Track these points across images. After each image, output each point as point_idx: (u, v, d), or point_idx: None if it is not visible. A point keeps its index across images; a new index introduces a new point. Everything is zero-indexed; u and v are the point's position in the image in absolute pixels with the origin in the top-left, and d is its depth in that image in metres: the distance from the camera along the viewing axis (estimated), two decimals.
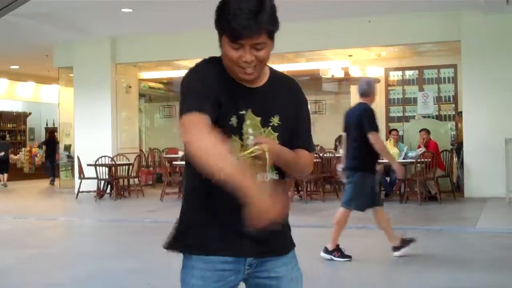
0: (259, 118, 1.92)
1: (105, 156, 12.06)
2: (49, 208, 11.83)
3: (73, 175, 14.01)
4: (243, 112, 1.90)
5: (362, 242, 7.31)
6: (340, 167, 6.55)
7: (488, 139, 10.72)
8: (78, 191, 12.18)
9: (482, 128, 10.83)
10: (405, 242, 6.03)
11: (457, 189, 11.19)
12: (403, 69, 14.74)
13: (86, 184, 12.14)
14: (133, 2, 10.52)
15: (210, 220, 1.94)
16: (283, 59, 13.96)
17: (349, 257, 5.97)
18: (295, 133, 2.00)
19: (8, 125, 20.22)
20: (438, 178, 10.41)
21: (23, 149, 19.29)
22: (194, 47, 11.84)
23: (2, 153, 17.11)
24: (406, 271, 5.64)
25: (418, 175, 10.24)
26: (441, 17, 11.25)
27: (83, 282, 5.52)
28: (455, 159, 11.40)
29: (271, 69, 2.02)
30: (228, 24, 1.79)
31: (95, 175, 11.98)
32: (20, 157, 18.74)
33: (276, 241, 1.98)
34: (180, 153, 12.58)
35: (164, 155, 13.62)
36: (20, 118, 20.60)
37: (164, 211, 10.14)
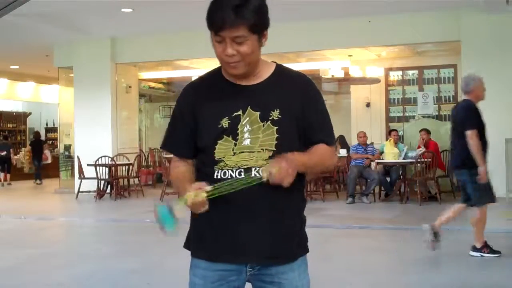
0: (257, 113, 1.92)
1: (105, 156, 12.06)
2: (49, 208, 11.84)
3: (73, 175, 14.01)
4: (239, 112, 1.92)
5: (364, 242, 7.31)
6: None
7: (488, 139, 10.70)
8: (78, 191, 12.19)
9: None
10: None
11: (457, 189, 11.16)
12: (403, 69, 14.74)
13: (86, 184, 12.14)
14: (133, 2, 10.52)
15: (214, 226, 1.95)
16: (283, 59, 13.95)
17: (499, 252, 5.92)
18: (309, 128, 1.98)
19: (8, 125, 20.22)
20: (438, 178, 10.40)
21: (23, 149, 19.29)
22: (194, 47, 11.84)
23: (4, 153, 17.18)
24: (406, 271, 5.64)
25: (418, 175, 10.24)
26: (441, 17, 11.25)
27: (83, 282, 5.52)
28: None
29: (279, 66, 2.03)
30: (209, 17, 1.84)
31: (95, 175, 11.98)
32: (20, 157, 18.73)
33: (281, 249, 1.95)
34: None
35: (164, 155, 13.59)
36: (20, 118, 20.61)
37: None
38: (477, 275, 5.43)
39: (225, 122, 1.91)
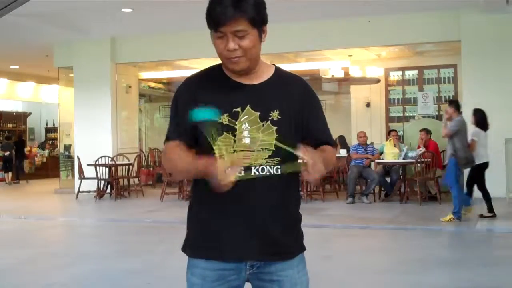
0: (257, 113, 1.93)
1: (105, 156, 12.06)
2: (49, 208, 11.84)
3: (73, 175, 14.01)
4: (238, 109, 1.93)
5: (364, 242, 7.31)
6: None
7: (488, 139, 10.70)
8: (78, 191, 12.19)
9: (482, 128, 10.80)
10: None
11: None
12: (403, 69, 14.73)
13: (86, 184, 12.14)
14: (133, 2, 10.52)
15: (212, 226, 1.96)
16: (283, 59, 13.96)
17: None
18: (312, 129, 2.01)
19: (8, 125, 20.23)
20: (438, 178, 10.40)
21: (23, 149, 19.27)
22: (194, 47, 11.84)
23: (8, 153, 17.21)
24: (406, 271, 5.64)
25: (418, 175, 10.24)
26: (441, 17, 11.24)
27: (83, 282, 5.52)
28: None
29: (277, 68, 2.05)
30: (209, 13, 1.86)
31: (95, 175, 11.98)
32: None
33: (279, 245, 1.96)
34: None
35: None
36: (20, 118, 20.61)
37: (164, 211, 10.15)
38: (477, 275, 5.43)
39: (225, 119, 1.92)
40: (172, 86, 16.93)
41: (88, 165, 12.08)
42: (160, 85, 16.96)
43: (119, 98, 13.67)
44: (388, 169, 11.12)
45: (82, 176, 12.21)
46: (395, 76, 14.97)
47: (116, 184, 12.18)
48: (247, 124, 1.93)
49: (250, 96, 1.95)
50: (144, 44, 13.22)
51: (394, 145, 11.00)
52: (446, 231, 7.74)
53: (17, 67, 17.51)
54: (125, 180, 12.60)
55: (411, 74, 14.82)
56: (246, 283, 2.02)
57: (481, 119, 8.74)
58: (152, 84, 16.57)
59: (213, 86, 1.98)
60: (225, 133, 1.92)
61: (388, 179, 11.10)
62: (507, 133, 10.39)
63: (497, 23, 10.81)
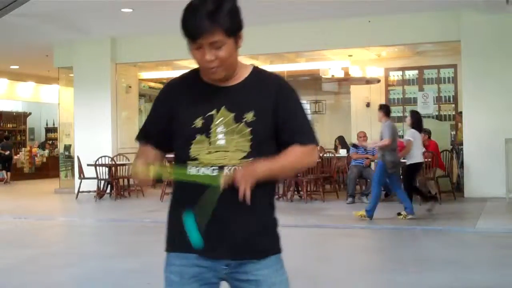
0: (232, 114, 1.95)
1: (105, 156, 12.06)
2: (49, 208, 11.84)
3: (73, 175, 14.01)
4: (213, 112, 1.95)
5: (364, 242, 7.31)
6: None
7: (488, 139, 10.72)
8: (78, 191, 12.19)
9: (482, 128, 10.83)
10: None
11: (457, 189, 11.19)
12: (403, 69, 14.74)
13: (86, 184, 12.14)
14: (133, 2, 10.52)
15: (183, 223, 1.98)
16: (283, 59, 13.97)
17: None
18: (283, 128, 1.99)
19: (8, 125, 20.24)
20: (438, 178, 10.40)
21: (23, 149, 19.29)
22: None
23: (7, 152, 17.23)
24: (406, 271, 5.64)
25: (418, 175, 10.22)
26: (441, 17, 11.25)
27: (83, 282, 5.52)
28: (455, 159, 11.40)
29: (255, 69, 2.06)
30: (184, 24, 1.88)
31: (95, 175, 11.98)
32: (20, 157, 18.74)
33: (252, 245, 1.97)
34: None
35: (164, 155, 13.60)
36: (20, 118, 20.62)
37: (164, 211, 10.01)
38: (477, 275, 5.43)
39: (198, 122, 1.96)
40: None
41: (88, 165, 12.08)
42: (160, 85, 16.94)
43: (119, 98, 13.67)
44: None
45: (82, 176, 12.21)
46: (395, 76, 14.97)
47: (116, 184, 12.18)
48: (222, 126, 1.95)
49: (225, 98, 1.97)
50: (144, 44, 13.22)
51: None
52: (446, 231, 7.74)
53: (17, 67, 17.51)
54: (125, 180, 12.60)
55: (411, 74, 14.82)
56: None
57: (417, 120, 9.06)
58: (152, 84, 16.58)
59: (190, 90, 2.02)
60: (198, 135, 1.95)
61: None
62: (507, 133, 10.40)
63: (497, 23, 10.81)
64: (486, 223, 8.23)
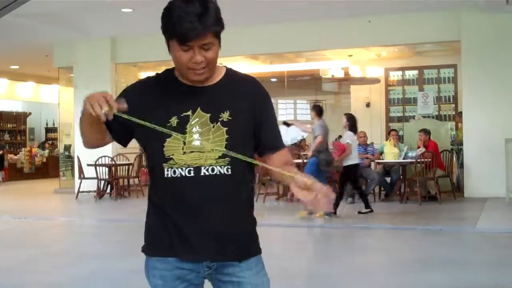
0: (208, 115, 1.95)
1: (105, 156, 12.06)
2: (49, 208, 11.84)
3: (73, 175, 14.01)
4: (188, 112, 1.95)
5: (364, 242, 7.31)
6: None
7: (488, 139, 10.72)
8: (78, 191, 12.18)
9: (482, 128, 10.83)
10: None
11: (457, 189, 11.19)
12: (403, 69, 14.75)
13: (86, 184, 12.14)
14: (133, 2, 10.52)
15: (165, 223, 1.99)
16: (283, 59, 13.97)
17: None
18: (262, 132, 2.01)
19: (8, 125, 20.22)
20: (438, 178, 10.40)
21: (23, 149, 19.29)
22: None
23: (1, 152, 17.24)
24: (406, 271, 5.64)
25: (418, 175, 10.24)
26: (441, 17, 11.24)
27: (83, 282, 5.52)
28: (455, 159, 11.40)
29: (229, 70, 2.07)
30: (175, 27, 1.87)
31: (95, 175, 11.98)
32: (20, 157, 18.74)
33: (232, 247, 1.97)
34: None
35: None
36: (20, 118, 20.61)
37: None
38: (477, 275, 5.43)
39: (173, 121, 1.95)
40: None
41: (88, 165, 12.08)
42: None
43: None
44: (388, 169, 11.12)
45: (82, 176, 12.20)
46: (395, 76, 14.98)
47: (116, 184, 12.18)
48: (197, 127, 1.94)
49: (200, 98, 1.97)
50: (144, 44, 13.20)
51: (394, 145, 11.00)
52: (446, 231, 7.74)
53: (17, 67, 17.51)
54: (125, 180, 12.60)
55: (411, 74, 14.82)
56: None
57: (354, 123, 9.24)
58: None
59: (165, 89, 2.01)
60: (174, 135, 1.93)
61: (388, 179, 11.09)
62: (507, 133, 10.39)
63: (497, 23, 10.81)
64: (486, 223, 8.23)
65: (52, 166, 17.67)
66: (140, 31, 12.77)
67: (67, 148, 15.12)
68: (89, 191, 12.18)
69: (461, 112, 11.93)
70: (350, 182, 9.27)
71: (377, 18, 11.42)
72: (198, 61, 1.89)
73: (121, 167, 12.42)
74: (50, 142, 20.63)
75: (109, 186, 12.42)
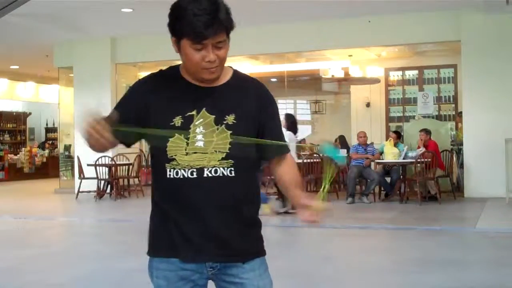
0: (212, 116, 1.94)
1: (105, 156, 12.05)
2: (49, 208, 11.83)
3: (73, 175, 14.01)
4: (193, 112, 1.93)
5: (364, 242, 7.31)
6: None
7: (488, 139, 10.72)
8: (78, 191, 12.18)
9: (482, 128, 10.83)
10: None
11: (457, 189, 11.19)
12: (403, 69, 14.75)
13: (86, 184, 12.13)
14: (133, 2, 10.52)
15: (167, 224, 1.98)
16: (283, 59, 13.96)
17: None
18: (269, 136, 2.00)
19: (8, 125, 20.22)
20: (438, 178, 10.40)
21: (23, 149, 19.29)
22: None
23: None
24: (406, 271, 5.64)
25: (418, 175, 10.24)
26: (441, 17, 11.25)
27: (83, 282, 5.52)
28: (455, 159, 11.40)
29: (235, 71, 2.05)
30: (190, 26, 1.84)
31: (95, 175, 11.98)
32: (20, 157, 18.74)
33: (234, 249, 1.96)
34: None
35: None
36: (20, 118, 20.60)
37: None
38: (476, 275, 5.43)
39: (177, 121, 1.93)
40: None
41: (88, 165, 12.07)
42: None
43: (119, 98, 13.65)
44: (388, 169, 11.12)
45: (82, 176, 12.20)
46: (395, 76, 14.98)
47: (116, 184, 12.18)
48: (201, 128, 1.93)
49: (206, 99, 1.95)
50: (144, 44, 13.22)
51: (395, 145, 11.00)
52: (446, 231, 7.74)
53: (17, 67, 17.51)
54: (125, 180, 12.60)
55: (411, 74, 14.83)
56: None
57: (292, 123, 9.39)
58: None
59: (171, 87, 1.98)
60: (177, 135, 1.92)
61: (388, 179, 11.09)
62: (507, 133, 10.39)
63: (497, 23, 10.81)
64: (486, 223, 8.23)
65: (52, 166, 17.67)
66: (140, 31, 12.78)
67: (67, 148, 15.12)
68: (89, 191, 12.17)
69: (461, 112, 11.93)
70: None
71: (377, 18, 11.42)
72: (212, 59, 1.87)
73: (121, 167, 12.42)
74: (50, 142, 20.63)
75: (109, 186, 12.42)
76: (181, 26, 1.87)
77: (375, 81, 14.35)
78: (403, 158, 10.58)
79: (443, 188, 10.58)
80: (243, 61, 13.50)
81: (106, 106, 13.51)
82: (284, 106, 19.72)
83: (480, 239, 7.25)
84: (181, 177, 1.92)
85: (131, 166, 12.44)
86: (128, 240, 7.74)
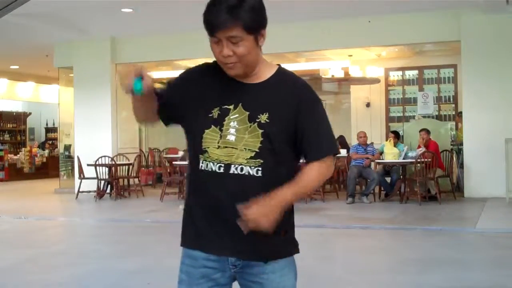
0: (247, 113, 1.93)
1: (105, 156, 12.06)
2: (49, 208, 11.83)
3: (73, 175, 14.01)
4: (230, 106, 1.94)
5: (364, 242, 7.31)
6: None
7: (488, 139, 10.72)
8: (78, 191, 12.18)
9: (482, 128, 10.83)
10: None
11: (457, 189, 11.19)
12: (403, 69, 14.74)
13: (86, 184, 12.13)
14: (133, 2, 10.52)
15: (194, 215, 2.00)
16: (283, 59, 13.95)
17: None
18: (302, 140, 1.95)
19: (8, 125, 20.23)
20: (438, 178, 10.40)
21: (23, 149, 19.29)
22: (194, 47, 11.79)
23: None
24: (406, 271, 5.64)
25: (418, 175, 10.24)
26: (441, 17, 11.24)
27: (83, 282, 5.52)
28: (455, 159, 11.40)
29: (280, 68, 2.03)
30: (204, 17, 1.87)
31: (95, 175, 11.98)
32: (20, 157, 18.75)
33: (260, 245, 1.94)
34: (180, 153, 12.57)
35: (164, 155, 13.62)
36: (20, 118, 20.61)
37: (164, 211, 10.14)
38: (476, 275, 5.43)
39: (215, 112, 1.94)
40: None
41: (88, 165, 12.08)
42: (160, 85, 16.93)
43: (119, 98, 13.66)
44: (388, 169, 11.12)
45: (82, 176, 12.20)
46: (395, 76, 14.98)
47: (116, 184, 12.18)
48: (235, 123, 1.92)
49: (243, 95, 1.95)
50: (144, 44, 13.22)
51: (394, 145, 11.00)
52: (446, 231, 7.74)
53: (17, 67, 17.51)
54: (125, 180, 12.60)
55: (411, 74, 14.82)
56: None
57: None
58: None
59: (214, 79, 1.99)
60: (213, 126, 1.93)
61: (388, 179, 11.09)
62: (507, 133, 10.39)
63: (497, 23, 10.81)
64: (486, 223, 8.23)
65: (52, 166, 17.66)
66: (140, 31, 12.78)
67: (67, 148, 15.12)
68: (89, 191, 12.17)
69: (461, 112, 11.93)
70: None
71: (377, 18, 11.42)
72: (225, 54, 1.87)
73: (121, 167, 12.42)
74: (50, 142, 20.64)
75: (109, 186, 12.42)
76: (203, 18, 1.90)
77: (375, 81, 14.34)
78: (403, 158, 10.58)
79: (443, 188, 10.58)
80: None
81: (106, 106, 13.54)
82: None
83: (480, 239, 7.25)
84: (210, 170, 1.93)
85: (131, 166, 12.44)
86: (128, 240, 7.75)
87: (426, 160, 10.22)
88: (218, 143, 1.92)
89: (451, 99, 14.38)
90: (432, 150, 10.48)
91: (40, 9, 10.43)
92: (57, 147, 17.65)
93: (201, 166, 1.95)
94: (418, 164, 10.24)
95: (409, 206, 10.06)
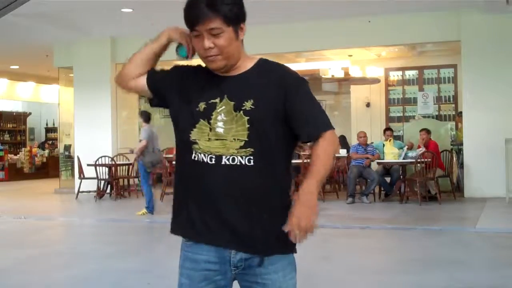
0: (232, 103, 1.95)
1: (105, 156, 12.06)
2: (49, 208, 11.83)
3: (73, 175, 14.01)
4: (216, 99, 1.96)
5: (364, 242, 7.31)
6: None
7: (488, 139, 10.72)
8: (78, 191, 12.18)
9: (482, 128, 10.83)
10: None
11: (457, 189, 11.19)
12: (403, 69, 14.74)
13: (86, 184, 12.14)
14: (133, 2, 10.52)
15: (185, 204, 2.00)
16: (283, 59, 13.95)
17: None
18: (294, 120, 1.94)
19: (8, 125, 20.23)
20: (438, 178, 10.40)
21: (23, 149, 19.30)
22: None
23: None
24: (406, 271, 5.64)
25: (418, 175, 10.24)
26: (441, 17, 11.24)
27: (83, 282, 5.52)
28: (455, 159, 11.40)
29: (261, 59, 2.05)
30: (184, 12, 1.92)
31: (95, 175, 11.98)
32: (20, 157, 18.75)
33: (259, 238, 1.94)
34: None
35: (164, 155, 13.60)
36: (20, 118, 20.61)
37: (164, 211, 10.13)
38: (476, 275, 5.43)
39: (201, 106, 1.97)
40: None
41: (88, 165, 12.08)
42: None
43: (119, 98, 13.66)
44: (388, 169, 11.12)
45: (82, 176, 12.20)
46: (395, 76, 14.98)
47: (116, 184, 12.18)
48: (222, 115, 1.95)
49: (227, 87, 1.97)
50: (144, 44, 13.20)
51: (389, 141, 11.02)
52: (446, 231, 7.74)
53: (17, 67, 17.51)
54: (125, 180, 12.60)
55: (411, 74, 14.82)
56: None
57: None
58: None
59: (200, 76, 2.04)
60: (201, 120, 1.96)
61: (388, 179, 11.09)
62: (507, 133, 10.39)
63: (497, 23, 10.81)
64: (486, 223, 8.23)
65: (52, 166, 17.67)
66: (140, 31, 12.75)
67: (67, 148, 15.12)
68: (89, 191, 12.18)
69: (461, 112, 11.93)
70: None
71: (377, 18, 11.42)
72: (206, 46, 1.90)
73: (121, 167, 12.42)
74: (50, 142, 20.64)
75: (109, 186, 12.42)
76: (183, 14, 1.95)
77: (375, 81, 14.35)
78: (403, 158, 10.58)
79: (443, 188, 10.58)
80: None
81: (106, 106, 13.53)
82: None
83: (480, 239, 7.25)
84: (201, 161, 1.94)
85: (131, 166, 12.44)
86: (128, 240, 7.75)
87: (426, 160, 10.22)
88: (208, 135, 1.95)
89: (451, 99, 14.38)
90: (432, 150, 10.48)
91: (40, 9, 10.43)
92: (57, 147, 17.65)
93: (194, 156, 1.96)
94: (418, 164, 10.24)
95: (409, 206, 10.06)
